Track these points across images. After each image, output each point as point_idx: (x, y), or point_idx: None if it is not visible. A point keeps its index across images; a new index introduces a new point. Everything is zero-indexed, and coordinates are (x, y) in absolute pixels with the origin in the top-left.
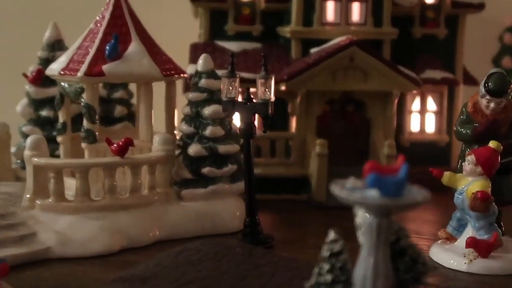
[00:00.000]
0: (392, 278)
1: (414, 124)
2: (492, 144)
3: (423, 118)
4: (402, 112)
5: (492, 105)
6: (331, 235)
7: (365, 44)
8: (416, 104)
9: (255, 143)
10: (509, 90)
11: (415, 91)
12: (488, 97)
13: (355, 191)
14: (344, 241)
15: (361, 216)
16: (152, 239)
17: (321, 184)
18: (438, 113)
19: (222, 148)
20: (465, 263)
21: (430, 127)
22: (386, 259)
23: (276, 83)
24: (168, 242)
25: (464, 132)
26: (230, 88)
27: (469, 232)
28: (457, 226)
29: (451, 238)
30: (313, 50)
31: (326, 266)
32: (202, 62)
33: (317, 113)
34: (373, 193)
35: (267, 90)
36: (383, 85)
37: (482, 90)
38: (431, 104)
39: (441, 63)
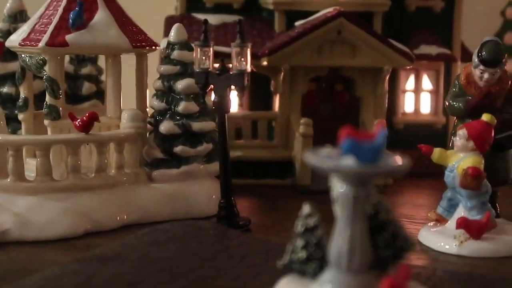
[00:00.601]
0: (370, 254)
1: (408, 104)
2: (485, 117)
3: (417, 97)
4: (395, 91)
5: (486, 76)
6: (306, 209)
7: (354, 16)
8: (410, 83)
9: (235, 124)
10: (504, 60)
11: (408, 67)
12: (481, 67)
13: (330, 159)
14: (320, 216)
15: (337, 187)
16: (119, 222)
17: (306, 166)
18: (434, 92)
19: (196, 126)
20: (455, 245)
21: (426, 107)
22: (363, 234)
23: (258, 58)
24: (137, 226)
25: (456, 105)
26: (203, 58)
27: (460, 212)
28: (448, 206)
29: (441, 220)
30: (298, 23)
31: (300, 242)
32: (175, 32)
33: (302, 91)
34: (349, 161)
35: (242, 59)
36: (373, 61)
37: (475, 60)
38: (427, 83)
39: (437, 38)
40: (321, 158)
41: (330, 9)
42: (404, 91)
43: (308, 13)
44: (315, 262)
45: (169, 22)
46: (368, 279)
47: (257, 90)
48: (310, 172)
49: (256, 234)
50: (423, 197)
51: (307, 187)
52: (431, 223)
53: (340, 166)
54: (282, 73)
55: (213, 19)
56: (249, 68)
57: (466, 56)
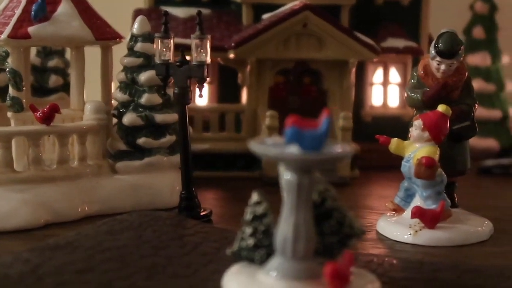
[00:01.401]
0: (314, 241)
1: (376, 97)
2: (440, 108)
3: (385, 90)
4: (363, 84)
5: (443, 67)
6: (254, 197)
7: (320, 9)
8: (378, 76)
9: (203, 117)
10: (460, 51)
11: (375, 60)
12: (438, 58)
13: (275, 147)
14: (269, 204)
15: (283, 175)
16: (81, 214)
17: None
18: (402, 85)
19: (159, 117)
20: (410, 234)
21: (394, 100)
22: (308, 221)
23: (225, 51)
24: (100, 217)
25: (414, 97)
26: (164, 49)
27: (416, 202)
28: (405, 196)
29: (398, 210)
30: (265, 16)
31: (248, 230)
32: (138, 24)
33: (269, 83)
34: (293, 149)
35: (202, 51)
36: (339, 53)
37: (432, 51)
38: (394, 76)
39: (404, 31)
40: (266, 146)
41: (297, 2)
42: (372, 84)
43: (275, 6)
44: (263, 249)
45: (137, 15)
46: (313, 265)
47: (226, 83)
48: (276, 164)
49: (217, 224)
50: (388, 189)
51: (274, 178)
52: (391, 213)
53: (283, 154)
54: (249, 66)
55: (182, 12)
56: (208, 60)
57: None
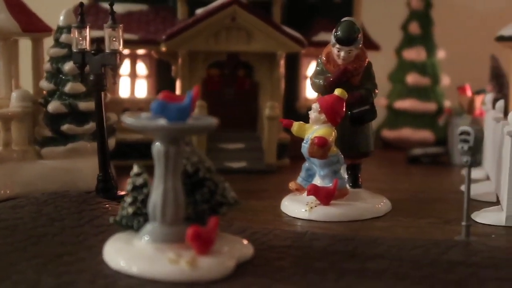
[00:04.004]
0: (183, 207)
1: (310, 90)
2: (337, 91)
3: None
4: (297, 77)
5: (342, 53)
6: (135, 168)
7: (248, 4)
8: (312, 69)
9: (138, 108)
10: (358, 38)
11: (303, 52)
12: (338, 45)
13: (144, 119)
14: (148, 175)
15: (154, 145)
16: (2, 195)
17: (201, 147)
18: None
19: (83, 105)
20: (305, 210)
21: None
22: (176, 188)
23: (158, 44)
24: None
25: (317, 82)
26: (80, 39)
27: (316, 181)
28: (306, 176)
29: (301, 189)
30: (198, 11)
31: (128, 199)
32: (64, 16)
33: (202, 75)
34: (161, 121)
35: (115, 40)
36: (267, 46)
37: (332, 39)
38: None
39: None
40: (135, 118)
41: None
42: (306, 77)
43: (209, 1)
44: (142, 217)
45: (77, 11)
46: (182, 230)
47: (163, 77)
48: (205, 151)
49: None
50: None
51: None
52: (295, 193)
53: (148, 124)
54: (180, 58)
55: (119, 7)
56: (121, 48)
57: (369, 44)
